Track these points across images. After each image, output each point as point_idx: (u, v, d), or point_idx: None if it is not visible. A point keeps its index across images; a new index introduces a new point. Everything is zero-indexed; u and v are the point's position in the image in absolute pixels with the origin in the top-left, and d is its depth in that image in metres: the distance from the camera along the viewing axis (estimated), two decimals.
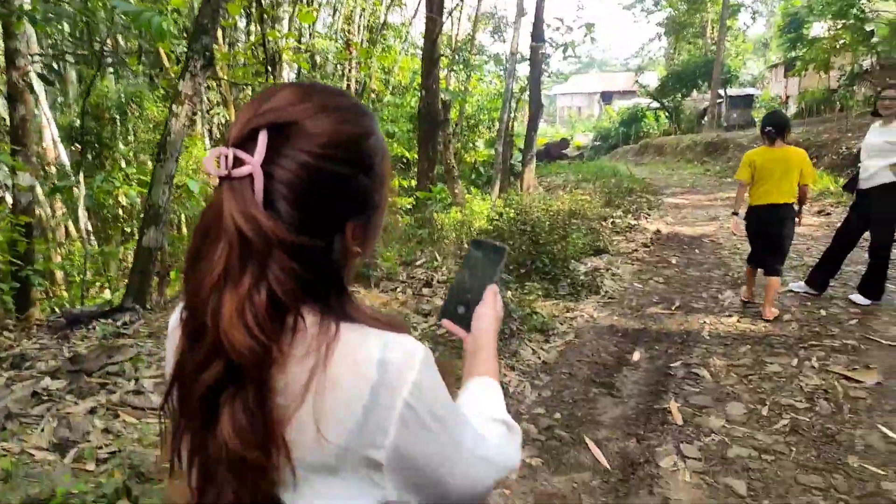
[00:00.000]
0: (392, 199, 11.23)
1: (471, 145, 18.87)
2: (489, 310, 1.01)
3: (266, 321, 0.63)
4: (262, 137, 0.66)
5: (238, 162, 0.65)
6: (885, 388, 3.69)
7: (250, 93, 13.98)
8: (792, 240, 5.00)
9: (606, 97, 56.77)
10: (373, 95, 16.37)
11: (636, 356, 4.38)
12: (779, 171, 4.77)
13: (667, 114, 35.60)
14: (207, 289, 0.64)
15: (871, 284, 5.07)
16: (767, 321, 4.85)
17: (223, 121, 18.42)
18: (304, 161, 0.67)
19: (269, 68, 10.55)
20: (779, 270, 4.96)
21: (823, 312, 4.99)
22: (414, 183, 11.58)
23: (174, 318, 0.78)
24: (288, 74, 12.44)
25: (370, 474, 0.66)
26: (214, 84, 17.18)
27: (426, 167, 10.58)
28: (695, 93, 34.81)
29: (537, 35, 14.07)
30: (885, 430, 3.22)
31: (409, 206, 10.93)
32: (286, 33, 11.90)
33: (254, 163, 0.64)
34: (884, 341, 4.35)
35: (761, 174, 4.85)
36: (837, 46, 20.71)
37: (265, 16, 11.05)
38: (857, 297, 5.12)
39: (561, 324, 5.00)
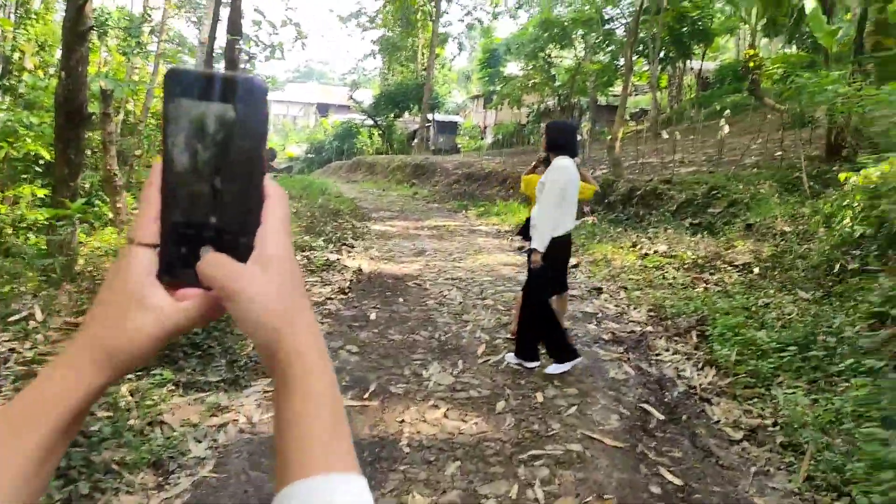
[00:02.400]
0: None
1: (160, 148, 15.94)
2: (280, 247, 0.47)
3: None
4: None
5: None
6: None
7: None
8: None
9: (323, 109, 56.07)
10: (27, 76, 12.70)
11: None
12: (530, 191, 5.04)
13: (380, 132, 35.94)
14: None
15: (554, 345, 4.43)
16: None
17: None
18: None
19: None
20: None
21: (540, 397, 4.10)
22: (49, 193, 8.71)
23: None
24: None
25: None
26: None
27: (66, 173, 7.85)
28: (406, 114, 35.80)
29: (234, 28, 12.19)
30: None
31: (44, 223, 8.09)
32: None
33: None
34: (607, 441, 3.55)
35: None
36: (530, 85, 22.57)
37: None
38: (553, 368, 4.40)
39: (198, 441, 3.27)
